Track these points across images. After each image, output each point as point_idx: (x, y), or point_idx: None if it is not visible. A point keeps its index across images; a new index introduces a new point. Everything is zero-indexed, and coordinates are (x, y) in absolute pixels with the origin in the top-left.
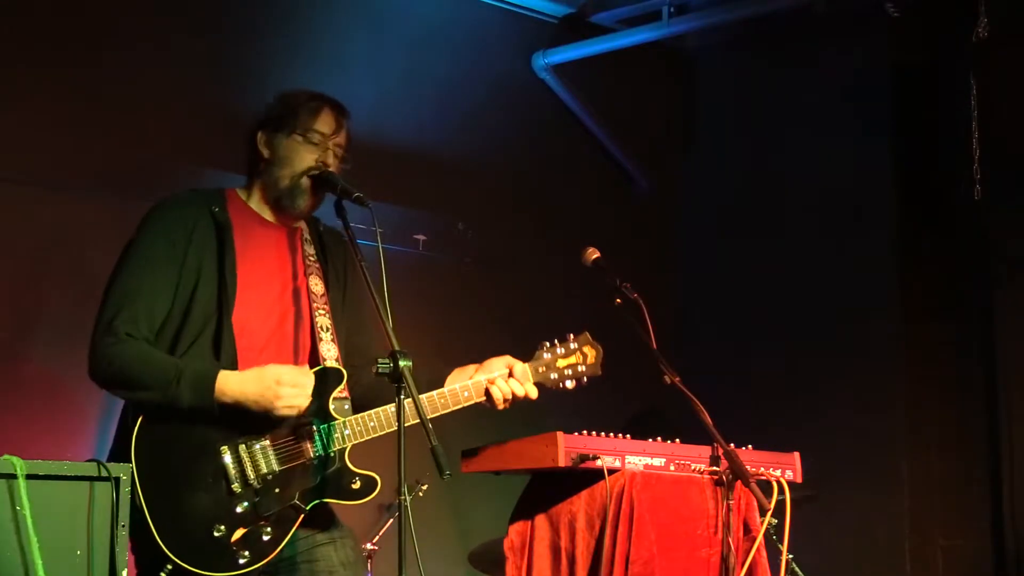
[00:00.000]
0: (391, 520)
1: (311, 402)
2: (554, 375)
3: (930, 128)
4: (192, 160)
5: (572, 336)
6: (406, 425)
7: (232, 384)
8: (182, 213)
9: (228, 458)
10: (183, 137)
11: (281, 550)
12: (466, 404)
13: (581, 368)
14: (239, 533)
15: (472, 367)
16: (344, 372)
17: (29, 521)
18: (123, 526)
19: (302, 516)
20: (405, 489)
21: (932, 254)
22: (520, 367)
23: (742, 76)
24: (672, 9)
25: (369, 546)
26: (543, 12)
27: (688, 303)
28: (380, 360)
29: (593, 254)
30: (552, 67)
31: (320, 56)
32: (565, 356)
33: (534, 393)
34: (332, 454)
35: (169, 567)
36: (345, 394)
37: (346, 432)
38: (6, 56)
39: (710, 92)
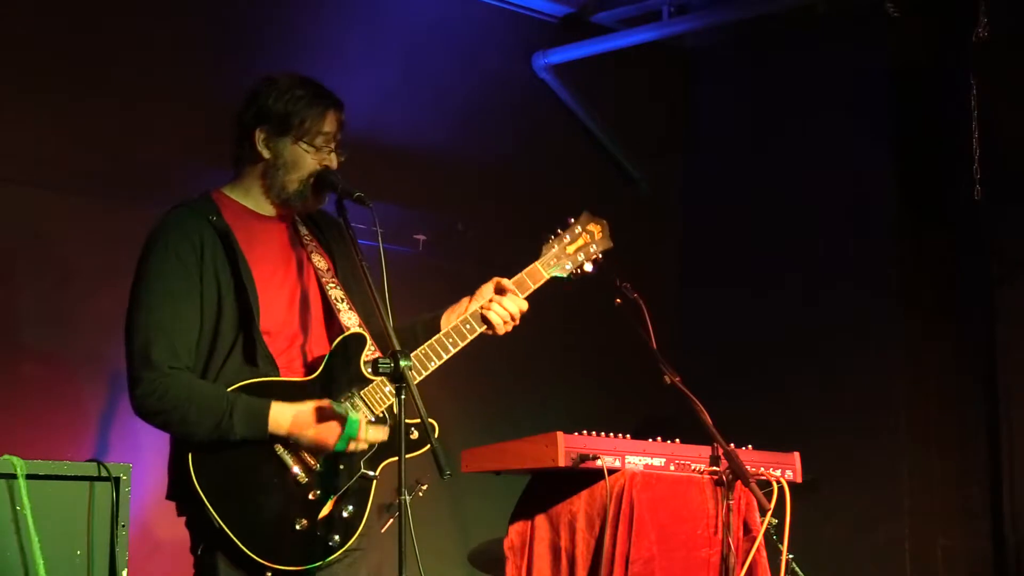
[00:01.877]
0: (391, 520)
1: (347, 372)
2: (568, 263)
3: (930, 128)
4: (191, 160)
5: (572, 220)
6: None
7: (285, 420)
8: (185, 232)
9: (285, 452)
10: (181, 137)
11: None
12: (472, 338)
13: (593, 248)
14: (320, 518)
15: (464, 300)
16: (366, 334)
17: (30, 521)
18: (123, 526)
19: (375, 482)
20: (405, 489)
21: (932, 254)
22: (509, 282)
23: (742, 76)
24: (672, 9)
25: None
26: (543, 12)
27: (688, 303)
28: (380, 360)
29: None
30: (552, 67)
31: (320, 56)
32: (572, 241)
33: (524, 305)
34: (381, 414)
35: (269, 575)
36: (376, 355)
37: (387, 389)
38: (5, 56)
39: (710, 92)
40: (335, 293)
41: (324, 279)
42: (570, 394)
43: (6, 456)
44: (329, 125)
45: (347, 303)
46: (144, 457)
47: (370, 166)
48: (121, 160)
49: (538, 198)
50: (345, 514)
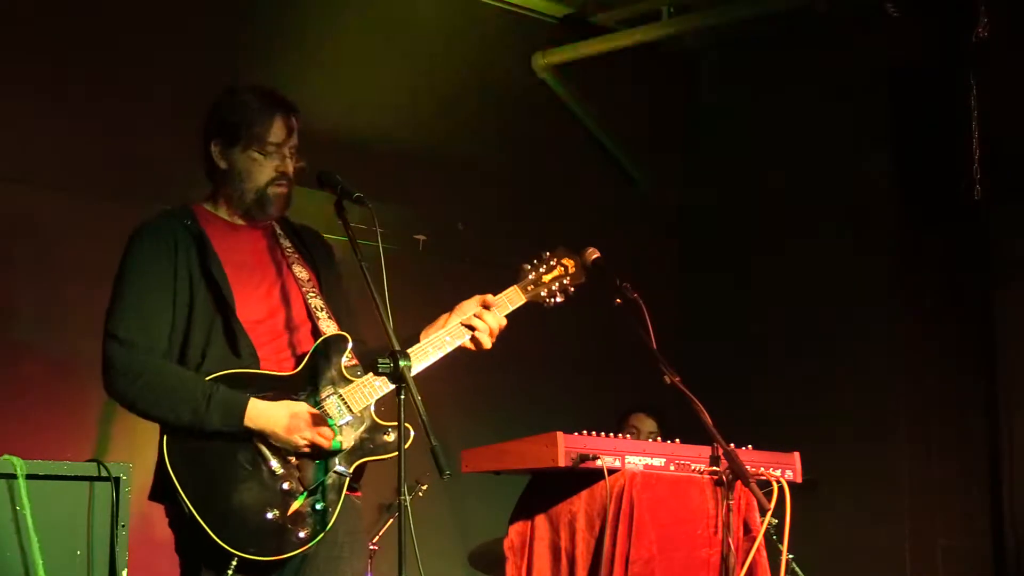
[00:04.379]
0: (391, 520)
1: (329, 371)
2: (543, 291)
3: (930, 128)
4: (192, 160)
5: (547, 253)
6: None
7: (260, 417)
8: (161, 233)
9: (262, 442)
10: (182, 136)
11: (312, 545)
12: (451, 349)
13: (566, 280)
14: (292, 510)
15: (443, 316)
16: (347, 336)
17: (29, 521)
18: (123, 526)
19: (348, 480)
20: (405, 489)
21: (932, 254)
22: (494, 298)
23: (742, 76)
24: (672, 9)
25: (369, 546)
26: (543, 12)
27: (688, 303)
28: (380, 360)
29: (593, 254)
30: (552, 67)
31: (320, 57)
32: (548, 271)
33: (504, 322)
34: (359, 414)
35: (234, 563)
36: (354, 361)
37: (366, 390)
38: (6, 56)
39: (710, 92)
40: (314, 302)
41: (304, 288)
42: (570, 394)
43: (6, 456)
44: (277, 133)
45: (326, 312)
46: (144, 457)
47: (371, 166)
48: (121, 159)
49: (538, 198)
50: (318, 506)
